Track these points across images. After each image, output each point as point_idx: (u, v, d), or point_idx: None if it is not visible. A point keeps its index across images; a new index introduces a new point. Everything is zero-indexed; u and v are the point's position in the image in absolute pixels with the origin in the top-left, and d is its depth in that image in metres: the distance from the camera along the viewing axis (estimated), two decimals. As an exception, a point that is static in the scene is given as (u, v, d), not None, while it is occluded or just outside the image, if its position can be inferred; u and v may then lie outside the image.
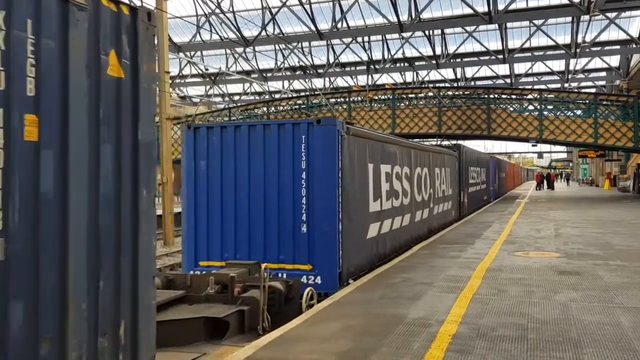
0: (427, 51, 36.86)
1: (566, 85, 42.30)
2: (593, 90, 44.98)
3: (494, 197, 29.42)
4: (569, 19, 32.18)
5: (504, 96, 30.57)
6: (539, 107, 28.86)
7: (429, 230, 13.20)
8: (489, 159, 27.75)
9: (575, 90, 40.11)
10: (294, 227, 7.63)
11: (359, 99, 33.04)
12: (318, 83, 46.51)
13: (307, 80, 45.21)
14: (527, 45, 34.85)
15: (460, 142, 23.76)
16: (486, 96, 30.01)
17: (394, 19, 28.76)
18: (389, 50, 38.41)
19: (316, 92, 39.74)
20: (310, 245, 7.59)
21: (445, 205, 15.26)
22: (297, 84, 50.02)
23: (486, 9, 26.92)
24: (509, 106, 29.68)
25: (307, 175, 7.58)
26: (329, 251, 7.50)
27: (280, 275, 7.48)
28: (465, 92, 32.39)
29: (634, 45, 33.55)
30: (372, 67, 38.42)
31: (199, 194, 8.15)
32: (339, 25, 30.91)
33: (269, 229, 7.79)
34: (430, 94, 32.09)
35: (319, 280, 7.53)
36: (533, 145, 38.81)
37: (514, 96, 30.59)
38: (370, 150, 8.91)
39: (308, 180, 7.57)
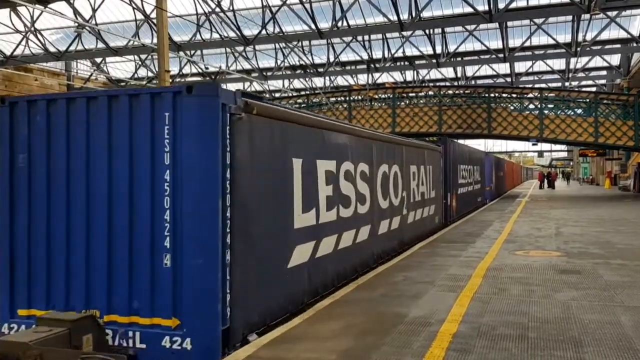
0: (427, 50, 36.81)
1: (567, 84, 42.28)
2: (594, 89, 44.96)
3: (491, 198, 27.49)
4: (570, 17, 32.12)
5: (504, 95, 30.61)
6: (539, 106, 28.86)
7: (402, 243, 10.69)
8: (484, 157, 25.55)
9: (576, 89, 40.12)
10: (153, 258, 4.94)
11: (360, 98, 33.05)
12: (318, 82, 46.50)
13: (307, 79, 45.19)
14: (527, 44, 34.78)
15: (461, 140, 23.73)
16: (487, 95, 30.03)
17: (394, 17, 28.72)
18: (389, 49, 38.36)
19: (316, 91, 39.73)
20: (176, 286, 4.85)
21: (425, 210, 12.65)
22: (297, 83, 50.01)
23: (487, 8, 26.87)
24: (509, 105, 29.71)
25: (172, 177, 4.90)
26: (205, 296, 4.78)
27: (131, 335, 4.92)
28: (466, 91, 32.41)
29: (635, 44, 33.51)
30: (372, 66, 38.36)
31: (18, 204, 5.46)
32: (339, 24, 30.85)
33: (116, 260, 5.06)
34: (431, 93, 32.11)
35: (188, 344, 4.75)
36: (533, 144, 38.83)
37: (514, 95, 30.62)
38: (298, 140, 6.22)
39: (174, 184, 4.90)
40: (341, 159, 7.48)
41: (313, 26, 30.21)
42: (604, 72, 43.88)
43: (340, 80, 49.32)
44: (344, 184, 7.51)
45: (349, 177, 7.72)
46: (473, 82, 44.70)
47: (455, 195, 16.62)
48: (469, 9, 28.30)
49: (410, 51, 38.45)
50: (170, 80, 20.43)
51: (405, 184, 10.78)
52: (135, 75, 40.65)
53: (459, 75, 45.81)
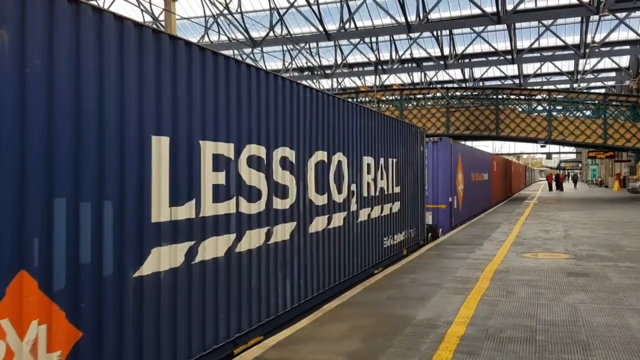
0: (435, 51, 36.79)
1: (575, 85, 42.09)
2: (602, 90, 44.76)
3: (454, 224, 15.27)
4: (578, 19, 32.02)
5: (512, 96, 30.48)
6: (547, 107, 28.74)
7: None
8: (419, 139, 11.61)
9: (585, 91, 39.92)
10: None
11: (367, 99, 33.05)
12: (326, 84, 46.57)
13: (314, 81, 45.27)
14: (535, 45, 34.70)
15: (469, 142, 23.48)
16: (494, 96, 29.92)
17: (401, 19, 28.73)
18: (396, 50, 38.37)
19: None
20: None
21: None
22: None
23: (494, 9, 26.83)
24: (517, 106, 29.59)
25: None
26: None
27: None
28: (474, 93, 32.31)
29: (644, 45, 33.35)
30: (379, 67, 38.38)
31: None
32: (347, 25, 30.91)
33: None
34: (439, 94, 32.04)
35: None
36: (542, 146, 38.68)
37: (522, 96, 30.48)
38: None
39: None
40: None
41: (320, 28, 30.26)
42: (612, 74, 43.66)
43: (348, 82, 49.38)
44: None
45: None
46: (481, 83, 44.60)
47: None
48: (476, 11, 28.28)
49: (417, 53, 38.46)
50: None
51: None
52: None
53: (467, 76, 45.73)
